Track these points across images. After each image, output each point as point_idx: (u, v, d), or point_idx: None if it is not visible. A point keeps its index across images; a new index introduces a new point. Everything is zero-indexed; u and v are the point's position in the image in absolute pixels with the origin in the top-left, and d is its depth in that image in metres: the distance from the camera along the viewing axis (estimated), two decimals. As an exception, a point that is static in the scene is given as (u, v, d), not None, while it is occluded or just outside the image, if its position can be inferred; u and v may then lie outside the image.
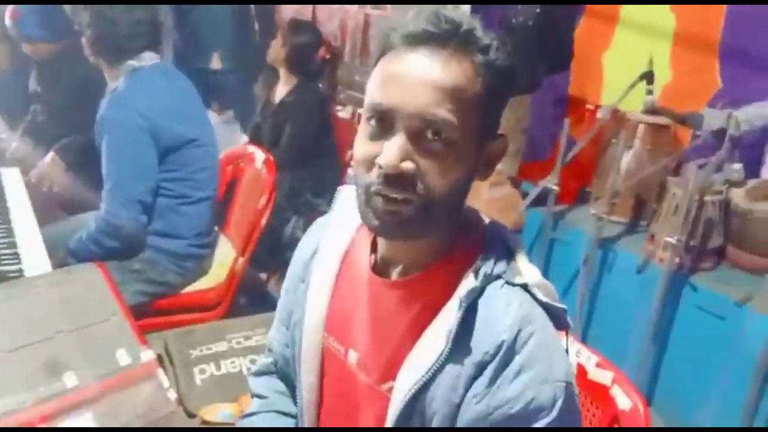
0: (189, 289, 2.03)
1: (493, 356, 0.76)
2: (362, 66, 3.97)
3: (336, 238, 0.95)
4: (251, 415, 1.06)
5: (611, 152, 2.82)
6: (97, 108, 1.88)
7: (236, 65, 3.45)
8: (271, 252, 2.92)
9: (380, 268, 0.88)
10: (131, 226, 1.79)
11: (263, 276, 3.02)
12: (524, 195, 2.96)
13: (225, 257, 2.14)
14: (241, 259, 2.05)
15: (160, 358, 1.70)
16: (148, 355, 1.26)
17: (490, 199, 2.88)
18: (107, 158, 1.77)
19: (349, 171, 3.51)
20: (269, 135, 3.02)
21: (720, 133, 2.47)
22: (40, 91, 2.70)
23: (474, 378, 0.76)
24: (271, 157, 2.13)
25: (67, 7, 2.66)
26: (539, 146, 3.48)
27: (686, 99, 2.79)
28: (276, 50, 3.00)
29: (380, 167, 0.74)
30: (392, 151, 0.73)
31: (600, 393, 1.07)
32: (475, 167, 0.80)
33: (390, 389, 0.83)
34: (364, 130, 0.79)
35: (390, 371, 0.84)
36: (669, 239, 2.19)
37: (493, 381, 0.75)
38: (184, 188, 1.91)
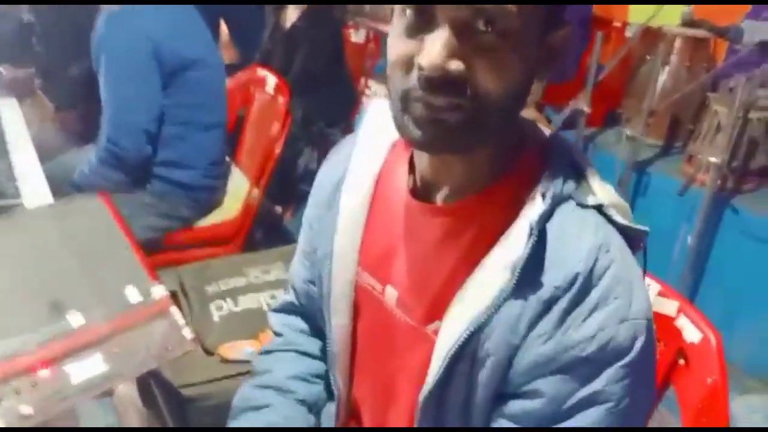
0: (203, 222, 1.93)
1: (565, 291, 0.64)
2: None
3: (367, 158, 0.82)
4: (268, 352, 0.96)
5: (645, 70, 2.66)
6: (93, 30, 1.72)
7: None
8: (285, 184, 2.81)
9: (421, 192, 0.75)
10: (135, 156, 1.67)
11: (278, 209, 2.92)
12: (547, 120, 2.82)
13: (239, 189, 2.02)
14: (256, 191, 1.93)
15: (174, 295, 1.62)
16: (159, 291, 1.16)
17: (515, 123, 2.72)
18: (107, 83, 1.64)
19: (364, 100, 3.35)
20: (280, 61, 2.86)
21: (763, 46, 2.30)
22: (34, 20, 2.54)
23: (540, 316, 0.65)
24: (284, 81, 1.98)
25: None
26: (562, 68, 3.33)
27: (722, 12, 2.60)
28: None
29: (421, 68, 0.60)
30: (435, 48, 0.59)
31: (663, 325, 0.95)
32: (536, 64, 0.65)
33: (436, 331, 0.72)
34: (398, 24, 0.64)
35: (436, 310, 0.72)
36: (712, 159, 2.04)
37: (563, 319, 0.64)
38: (192, 114, 1.77)
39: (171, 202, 1.80)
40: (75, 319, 1.06)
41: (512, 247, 0.66)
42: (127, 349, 1.07)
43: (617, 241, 0.67)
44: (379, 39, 3.67)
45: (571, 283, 0.64)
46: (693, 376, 0.89)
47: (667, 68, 2.52)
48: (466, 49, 0.60)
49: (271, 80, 2.01)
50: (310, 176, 3.27)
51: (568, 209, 0.67)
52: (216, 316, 1.53)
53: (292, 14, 2.90)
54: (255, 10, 3.30)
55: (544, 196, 0.67)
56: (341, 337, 0.85)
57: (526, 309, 0.65)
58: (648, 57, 2.63)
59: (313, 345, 0.96)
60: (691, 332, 0.91)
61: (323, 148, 3.33)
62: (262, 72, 2.10)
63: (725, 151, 2.06)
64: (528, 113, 2.25)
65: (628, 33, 3.25)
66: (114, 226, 1.21)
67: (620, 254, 0.67)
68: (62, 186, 1.71)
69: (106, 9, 1.71)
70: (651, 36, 2.69)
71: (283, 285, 1.54)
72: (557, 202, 0.67)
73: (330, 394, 0.93)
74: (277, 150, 1.89)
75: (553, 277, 0.65)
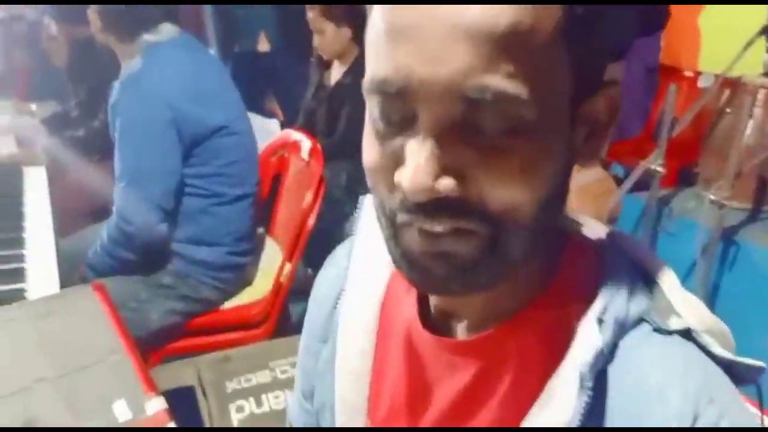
0: (230, 303, 1.74)
1: None
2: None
3: (367, 277, 0.61)
4: None
5: (724, 125, 2.39)
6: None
7: (286, 45, 3.12)
8: (329, 252, 2.62)
9: (437, 321, 0.55)
10: (146, 235, 1.51)
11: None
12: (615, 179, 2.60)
13: (272, 264, 1.83)
14: (288, 266, 1.74)
15: (192, 391, 1.44)
16: (155, 405, 0.97)
17: (580, 185, 2.48)
18: (121, 152, 1.50)
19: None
20: (325, 121, 2.71)
21: None
22: (73, 80, 2.49)
23: None
24: (319, 145, 1.81)
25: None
26: (628, 122, 3.13)
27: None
28: (333, 39, 2.64)
29: (404, 192, 0.41)
30: (417, 165, 0.40)
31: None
32: (573, 148, 0.46)
33: None
34: (370, 124, 0.45)
35: None
36: (817, 229, 1.75)
37: None
38: (217, 185, 1.61)
39: (193, 284, 1.62)
40: (47, 443, 0.88)
41: (561, 401, 0.45)
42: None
43: (724, 383, 0.46)
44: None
45: None
46: None
47: (750, 123, 2.25)
48: (464, 156, 0.41)
49: (306, 144, 1.85)
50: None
51: (640, 338, 0.46)
52: (235, 419, 1.33)
53: (336, 72, 2.77)
54: (300, 69, 3.20)
55: (601, 321, 0.45)
56: None
57: None
58: (727, 110, 2.37)
59: None
60: None
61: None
62: (297, 135, 1.94)
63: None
64: (593, 172, 1.97)
65: (701, 83, 3.03)
66: (107, 325, 1.04)
67: (731, 403, 0.45)
68: (78, 265, 1.57)
69: (124, 70, 1.58)
70: (729, 86, 2.44)
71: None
72: (623, 330, 0.46)
73: None
74: (311, 222, 1.70)
75: None
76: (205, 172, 1.58)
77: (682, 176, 2.72)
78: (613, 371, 0.46)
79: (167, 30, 1.57)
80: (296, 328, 1.75)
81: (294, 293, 1.80)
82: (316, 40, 2.61)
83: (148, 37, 1.54)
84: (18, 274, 1.36)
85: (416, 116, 0.41)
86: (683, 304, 0.48)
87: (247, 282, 1.77)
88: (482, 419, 0.51)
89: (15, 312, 1.05)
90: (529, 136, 0.41)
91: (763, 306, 1.95)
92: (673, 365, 0.45)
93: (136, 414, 0.95)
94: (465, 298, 0.51)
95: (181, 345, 1.59)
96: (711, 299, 2.10)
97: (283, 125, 3.30)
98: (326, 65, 2.80)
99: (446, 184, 0.40)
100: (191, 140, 1.54)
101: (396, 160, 0.42)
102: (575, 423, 0.44)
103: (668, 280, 0.49)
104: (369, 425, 0.60)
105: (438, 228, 0.42)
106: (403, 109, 0.42)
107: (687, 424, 0.43)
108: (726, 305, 2.07)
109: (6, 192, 1.79)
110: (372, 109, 0.44)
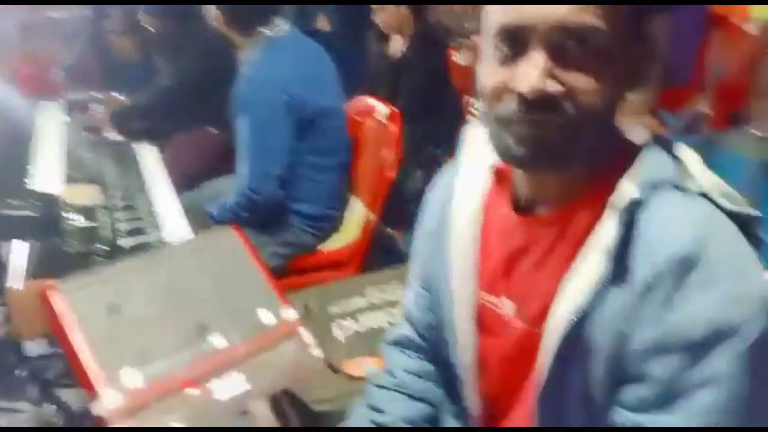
0: (323, 248, 2.04)
1: (670, 273, 0.64)
2: (471, 11, 3.76)
3: (470, 184, 0.85)
4: (381, 388, 0.99)
5: (770, 66, 2.50)
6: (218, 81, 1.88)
7: (345, 23, 3.34)
8: (397, 207, 2.86)
9: (524, 206, 0.78)
10: (269, 201, 1.84)
11: (391, 232, 2.98)
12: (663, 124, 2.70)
13: (355, 215, 2.11)
14: (372, 215, 2.02)
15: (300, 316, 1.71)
16: (290, 313, 1.23)
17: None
18: (247, 136, 1.80)
19: (469, 119, 3.35)
20: (388, 89, 2.92)
21: None
22: (160, 67, 2.75)
23: (645, 299, 0.65)
24: (396, 110, 2.05)
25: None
26: (676, 71, 3.17)
27: None
28: (393, 16, 2.87)
29: (521, 93, 0.64)
30: (533, 72, 0.64)
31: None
32: (625, 77, 0.69)
33: None
34: (491, 56, 0.69)
35: (548, 311, 0.74)
36: None
37: (669, 301, 0.64)
38: (319, 157, 1.92)
39: (295, 232, 1.94)
40: (217, 340, 1.14)
41: (606, 234, 0.67)
42: (263, 369, 1.14)
43: (726, 226, 0.67)
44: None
45: (675, 266, 0.63)
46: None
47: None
48: (561, 69, 0.64)
49: (381, 109, 2.09)
50: (417, 196, 3.31)
51: (668, 195, 0.68)
52: (339, 335, 1.60)
53: (396, 45, 2.97)
54: (352, 47, 3.40)
55: (637, 183, 0.68)
56: (469, 355, 0.87)
57: (631, 295, 0.66)
58: (772, 52, 2.48)
59: (423, 388, 0.98)
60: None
61: (433, 170, 3.35)
62: (371, 101, 2.18)
63: None
64: (644, 120, 2.18)
65: (751, 30, 3.07)
66: (247, 256, 1.30)
67: (729, 238, 0.66)
68: (198, 215, 1.86)
69: (244, 59, 1.86)
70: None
71: (400, 304, 1.60)
72: (653, 188, 0.67)
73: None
74: (391, 176, 1.96)
75: (654, 260, 0.65)
76: (313, 146, 1.89)
77: (733, 119, 2.81)
78: (647, 213, 0.67)
79: (282, 26, 1.85)
80: (376, 267, 2.01)
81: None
82: (378, 17, 2.85)
83: (266, 31, 1.82)
84: (155, 227, 1.66)
85: (527, 46, 0.64)
86: (701, 173, 0.70)
87: (335, 230, 2.07)
88: (556, 263, 0.73)
89: (176, 249, 1.34)
90: (602, 57, 0.64)
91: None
92: (689, 209, 0.67)
93: (277, 319, 1.22)
94: (546, 180, 0.74)
95: (284, 283, 1.87)
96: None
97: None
98: (385, 39, 3.02)
99: (552, 84, 0.64)
100: (305, 120, 1.83)
101: (509, 79, 0.66)
102: (615, 242, 0.66)
103: (692, 159, 0.71)
104: (479, 288, 0.84)
105: (542, 118, 0.65)
106: (519, 40, 0.65)
107: (694, 246, 0.63)
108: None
109: (129, 166, 2.08)
110: (494, 45, 0.67)
